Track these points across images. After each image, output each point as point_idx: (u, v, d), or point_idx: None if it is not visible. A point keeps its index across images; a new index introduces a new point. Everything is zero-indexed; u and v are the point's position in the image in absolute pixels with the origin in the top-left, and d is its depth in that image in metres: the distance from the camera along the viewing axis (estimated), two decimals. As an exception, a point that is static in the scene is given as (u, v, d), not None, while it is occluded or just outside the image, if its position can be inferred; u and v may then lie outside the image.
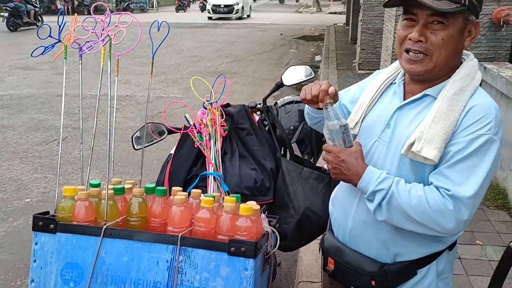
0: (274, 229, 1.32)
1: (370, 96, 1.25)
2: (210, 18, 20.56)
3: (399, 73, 1.24)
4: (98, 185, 1.28)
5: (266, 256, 1.25)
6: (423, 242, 1.16)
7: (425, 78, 1.14)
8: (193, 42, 12.59)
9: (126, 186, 1.30)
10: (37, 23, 15.77)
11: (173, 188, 1.31)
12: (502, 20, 3.10)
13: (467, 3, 1.03)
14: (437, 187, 1.07)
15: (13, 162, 4.29)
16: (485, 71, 3.30)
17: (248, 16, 22.34)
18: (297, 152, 2.05)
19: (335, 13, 23.23)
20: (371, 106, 1.25)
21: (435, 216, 1.05)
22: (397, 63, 1.23)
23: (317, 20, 19.54)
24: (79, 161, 4.16)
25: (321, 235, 1.46)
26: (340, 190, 1.34)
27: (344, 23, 16.29)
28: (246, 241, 1.09)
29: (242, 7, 21.03)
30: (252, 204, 1.18)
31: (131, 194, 1.25)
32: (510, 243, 1.39)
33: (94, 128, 1.27)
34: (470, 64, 1.14)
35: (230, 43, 12.65)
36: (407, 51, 1.10)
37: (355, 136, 1.26)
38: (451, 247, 1.20)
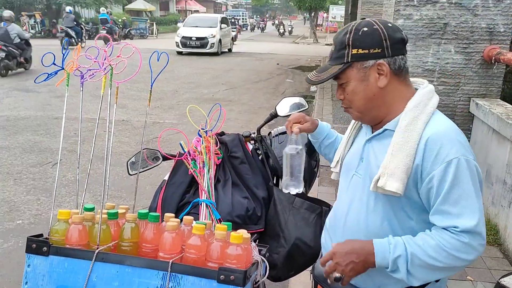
0: (264, 258, 1.33)
1: (346, 136, 1.42)
2: (180, 53, 16.77)
3: None
4: (92, 209, 1.30)
5: (255, 285, 1.26)
6: None
7: (367, 121, 1.30)
8: (190, 69, 12.79)
9: (120, 211, 1.32)
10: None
11: (166, 214, 1.33)
12: (493, 58, 3.21)
13: (349, 59, 1.19)
14: (444, 228, 1.12)
15: (6, 183, 4.28)
16: (476, 107, 3.38)
17: (229, 50, 18.82)
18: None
19: (331, 44, 23.69)
20: (348, 145, 1.39)
21: (458, 255, 1.10)
22: None
23: (314, 51, 19.94)
24: (72, 184, 4.17)
25: (312, 264, 1.50)
26: (328, 219, 1.44)
27: (340, 55, 16.60)
28: (236, 269, 1.11)
29: (220, 40, 17.40)
30: (243, 233, 1.20)
31: (124, 219, 1.27)
32: (499, 279, 1.41)
33: (92, 152, 1.31)
34: (421, 93, 1.22)
35: (227, 71, 12.86)
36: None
37: (337, 174, 1.43)
38: None
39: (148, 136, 5.65)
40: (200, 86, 10.06)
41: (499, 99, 3.46)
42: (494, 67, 3.38)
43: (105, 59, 1.27)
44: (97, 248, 1.18)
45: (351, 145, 1.40)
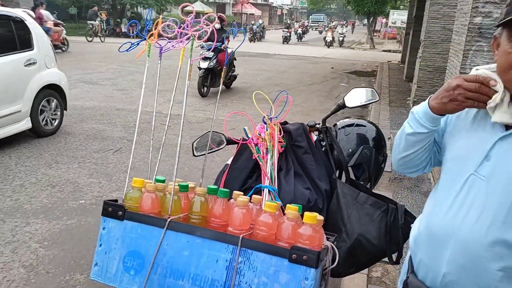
0: (333, 245, 1.28)
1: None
2: None
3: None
4: (163, 181, 1.31)
5: (324, 271, 1.21)
6: None
7: None
8: (244, 69, 12.91)
9: (190, 185, 1.33)
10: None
11: (234, 192, 1.31)
12: None
13: None
14: None
15: (71, 166, 4.52)
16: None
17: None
18: (352, 177, 2.00)
19: (389, 51, 23.08)
20: (456, 133, 1.14)
21: None
22: None
23: (370, 56, 19.49)
24: (132, 171, 4.29)
25: (400, 278, 1.34)
26: (427, 229, 1.20)
27: (398, 61, 16.15)
28: (309, 249, 1.06)
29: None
30: (316, 214, 1.16)
31: (194, 193, 1.27)
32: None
33: (168, 117, 1.31)
34: None
35: (281, 72, 12.85)
36: None
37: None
38: None
39: (202, 131, 5.75)
40: (253, 86, 10.11)
41: None
42: None
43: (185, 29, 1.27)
44: (169, 217, 1.18)
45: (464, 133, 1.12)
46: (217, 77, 8.44)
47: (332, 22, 44.68)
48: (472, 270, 1.06)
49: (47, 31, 10.89)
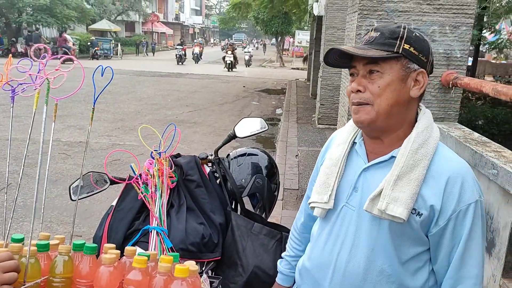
0: (214, 293, 1.22)
1: (336, 163, 1.18)
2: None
3: (358, 132, 1.20)
4: (21, 240, 1.15)
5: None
6: None
7: (374, 129, 1.11)
8: (154, 90, 12.61)
9: (52, 242, 1.18)
10: None
11: (105, 245, 1.19)
12: (451, 82, 3.28)
13: (400, 50, 1.06)
14: None
15: None
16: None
17: None
18: (249, 206, 1.98)
19: (297, 68, 24.19)
20: (340, 173, 1.18)
21: None
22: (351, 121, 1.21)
23: (280, 74, 20.25)
24: (21, 209, 3.88)
25: None
26: (310, 261, 1.25)
27: (305, 79, 16.99)
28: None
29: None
30: (190, 265, 1.09)
31: (57, 251, 1.13)
32: None
33: (38, 175, 1.17)
34: (427, 115, 1.13)
35: (192, 92, 12.78)
36: (353, 103, 1.11)
37: (324, 211, 1.19)
38: None
39: (104, 158, 5.42)
40: (164, 108, 9.89)
41: (457, 123, 3.54)
42: (452, 91, 3.45)
43: (38, 73, 1.15)
44: (24, 285, 1.03)
45: (342, 174, 1.18)
46: None
47: (253, 41, 46.96)
48: None
49: None
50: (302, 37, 30.09)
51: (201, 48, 27.48)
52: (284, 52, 32.82)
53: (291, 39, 38.09)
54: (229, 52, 21.30)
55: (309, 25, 16.24)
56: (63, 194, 4.10)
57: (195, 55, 25.68)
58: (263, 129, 2.01)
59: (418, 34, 1.10)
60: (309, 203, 1.23)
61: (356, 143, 1.19)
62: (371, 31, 1.11)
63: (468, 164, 1.12)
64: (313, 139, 7.17)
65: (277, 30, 25.89)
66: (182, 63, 23.71)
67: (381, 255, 1.10)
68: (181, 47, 24.26)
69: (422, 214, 1.06)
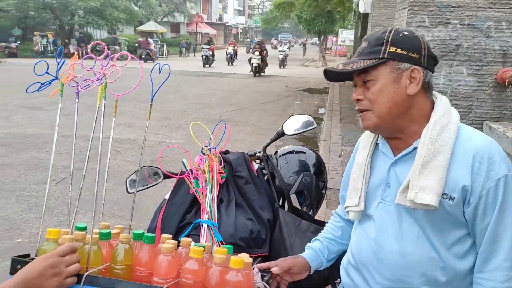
0: (266, 285, 1.24)
1: (362, 165, 1.27)
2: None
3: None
4: (84, 229, 1.21)
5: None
6: None
7: (384, 131, 1.19)
8: (199, 89, 12.85)
9: (113, 231, 1.24)
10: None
11: (163, 235, 1.24)
12: (507, 80, 3.13)
13: (386, 55, 1.11)
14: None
15: (8, 201, 4.22)
16: (490, 131, 3.28)
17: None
18: (296, 203, 1.99)
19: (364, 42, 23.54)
20: (367, 174, 1.25)
21: None
22: None
23: (323, 74, 19.94)
24: (75, 203, 4.07)
25: None
26: (355, 259, 1.30)
27: (348, 78, 16.65)
28: (235, 297, 1.01)
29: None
30: (244, 257, 1.11)
31: (118, 240, 1.19)
32: None
33: (85, 169, 1.23)
34: (443, 102, 1.17)
35: (235, 92, 12.90)
36: (357, 111, 1.21)
37: (358, 214, 1.27)
38: None
39: (154, 155, 5.60)
40: (207, 107, 10.06)
41: (512, 122, 3.35)
42: (508, 90, 3.29)
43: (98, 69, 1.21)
44: (87, 271, 1.09)
45: (370, 174, 1.26)
46: None
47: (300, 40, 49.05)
48: None
49: None
50: (346, 36, 29.57)
51: (235, 48, 24.19)
52: (326, 51, 32.40)
53: (334, 38, 37.55)
54: (257, 53, 17.22)
55: (354, 23, 15.94)
56: (114, 189, 4.27)
57: (229, 55, 22.61)
58: (312, 127, 2.00)
59: (406, 33, 1.14)
60: (345, 208, 1.32)
61: (379, 143, 1.26)
62: (362, 42, 1.20)
63: (493, 140, 1.14)
64: (357, 139, 6.92)
65: (320, 29, 25.58)
66: (209, 65, 20.51)
67: (426, 243, 1.13)
68: (208, 46, 20.79)
69: (454, 197, 1.09)
